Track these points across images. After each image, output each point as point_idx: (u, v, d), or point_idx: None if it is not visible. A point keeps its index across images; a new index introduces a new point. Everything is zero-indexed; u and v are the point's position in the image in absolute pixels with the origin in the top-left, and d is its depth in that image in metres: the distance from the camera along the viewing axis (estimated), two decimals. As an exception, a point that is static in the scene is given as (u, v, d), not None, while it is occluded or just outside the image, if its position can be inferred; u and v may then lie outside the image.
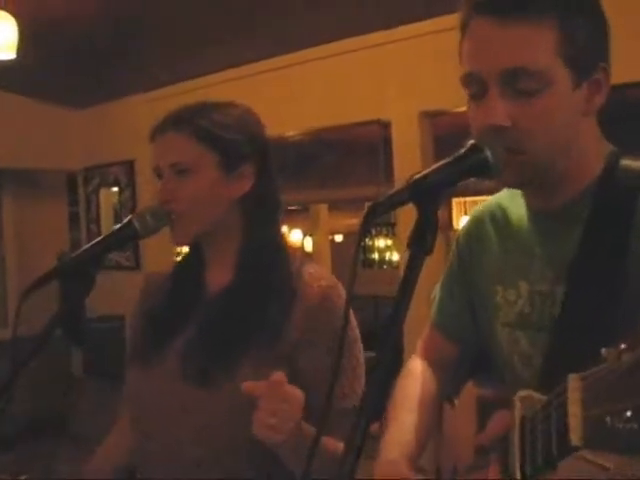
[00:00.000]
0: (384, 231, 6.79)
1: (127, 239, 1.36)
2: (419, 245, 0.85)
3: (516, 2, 1.03)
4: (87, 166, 5.97)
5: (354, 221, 6.63)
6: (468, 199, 8.07)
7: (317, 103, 4.36)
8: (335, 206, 7.05)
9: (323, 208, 7.01)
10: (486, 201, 1.36)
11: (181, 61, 4.77)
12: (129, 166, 5.57)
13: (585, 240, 1.10)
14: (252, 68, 4.61)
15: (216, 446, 1.39)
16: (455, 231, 8.16)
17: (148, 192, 5.08)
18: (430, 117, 4.02)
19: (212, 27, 4.25)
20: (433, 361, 1.41)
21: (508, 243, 1.25)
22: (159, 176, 1.48)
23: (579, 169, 1.13)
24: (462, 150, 0.94)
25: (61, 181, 6.23)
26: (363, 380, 1.45)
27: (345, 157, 4.96)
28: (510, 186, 1.19)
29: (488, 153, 0.93)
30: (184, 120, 1.48)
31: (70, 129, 5.85)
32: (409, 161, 3.95)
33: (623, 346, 0.64)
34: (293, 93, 4.44)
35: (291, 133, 4.80)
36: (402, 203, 0.89)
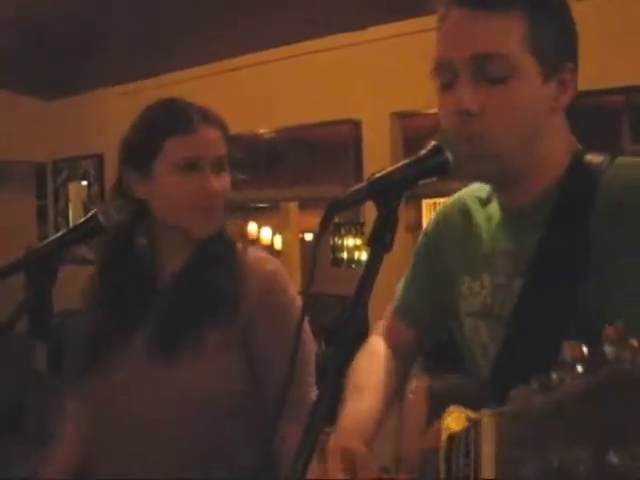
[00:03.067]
0: (353, 230, 6.83)
1: (92, 232, 1.37)
2: (379, 243, 0.87)
3: None
4: (56, 159, 5.92)
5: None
6: (438, 200, 8.12)
7: (290, 101, 4.37)
8: (306, 204, 7.06)
9: (293, 206, 7.01)
10: (457, 193, 1.39)
11: (154, 56, 4.75)
12: (98, 160, 5.53)
13: (546, 236, 1.13)
14: (225, 65, 4.60)
15: (187, 423, 1.46)
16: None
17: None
18: (401, 118, 4.05)
19: (185, 23, 4.24)
20: (391, 342, 1.44)
21: (475, 235, 1.28)
22: (193, 168, 1.51)
23: (546, 167, 1.15)
24: (423, 151, 0.96)
25: (29, 173, 6.17)
26: (312, 369, 1.54)
27: (316, 156, 4.98)
28: (472, 178, 1.22)
29: (448, 154, 0.95)
30: (213, 117, 1.57)
31: (40, 121, 5.80)
32: (379, 161, 3.97)
33: (535, 386, 0.62)
34: (267, 91, 4.44)
35: (263, 131, 4.80)
36: (362, 201, 0.91)
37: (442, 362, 1.45)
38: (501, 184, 1.19)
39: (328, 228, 0.88)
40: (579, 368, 0.57)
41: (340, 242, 6.96)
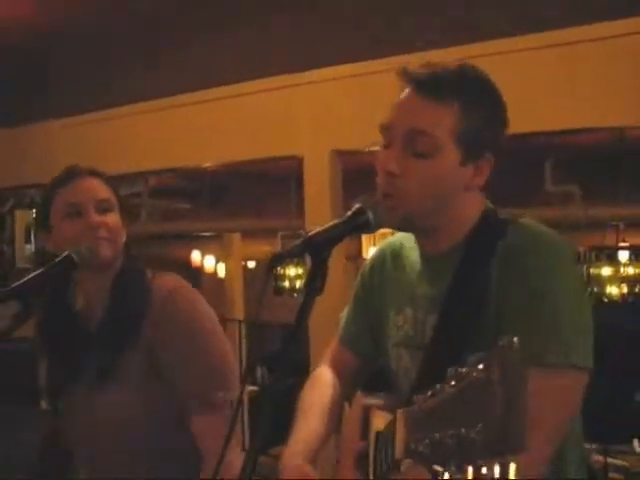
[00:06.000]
0: (294, 260, 7.03)
1: (66, 271, 1.58)
2: (312, 287, 1.10)
3: (431, 85, 1.32)
4: (1, 187, 5.98)
5: (267, 248, 6.82)
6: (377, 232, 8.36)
7: (235, 138, 4.53)
8: (248, 233, 7.23)
9: (236, 235, 7.18)
10: (391, 238, 1.62)
11: (100, 90, 4.87)
12: (45, 189, 5.58)
13: (456, 280, 1.36)
14: (171, 101, 4.74)
15: (122, 440, 1.76)
16: (364, 260, 8.42)
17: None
18: (340, 155, 4.27)
19: (130, 58, 4.39)
20: (337, 369, 1.65)
21: (402, 276, 1.52)
22: (77, 213, 1.75)
23: (458, 224, 1.39)
24: (349, 212, 1.20)
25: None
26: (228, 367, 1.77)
27: (259, 189, 5.17)
28: (389, 228, 1.46)
29: (370, 215, 1.19)
30: (94, 170, 1.83)
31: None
32: (319, 195, 4.19)
33: (429, 393, 0.90)
34: (213, 127, 4.59)
35: (209, 164, 4.97)
36: (299, 254, 1.14)
37: (375, 383, 1.66)
38: (418, 235, 1.44)
39: (271, 278, 1.10)
40: (452, 382, 0.85)
41: (282, 271, 7.16)
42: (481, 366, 0.81)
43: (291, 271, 7.17)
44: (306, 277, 1.11)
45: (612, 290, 5.79)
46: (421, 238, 1.45)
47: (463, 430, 0.81)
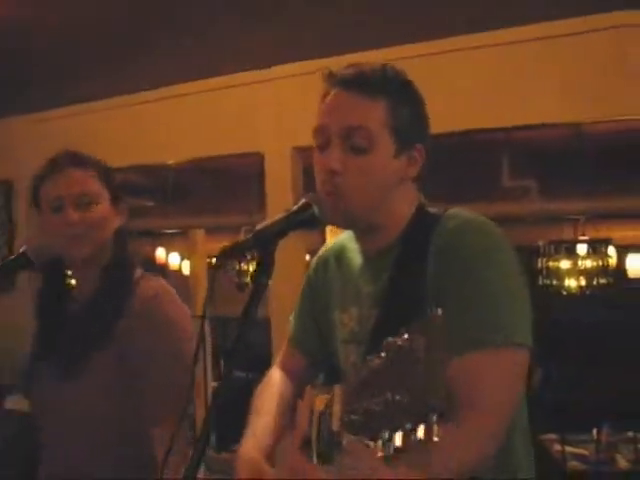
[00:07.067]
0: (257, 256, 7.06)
1: (20, 268, 1.60)
2: (260, 278, 1.13)
3: (359, 82, 1.37)
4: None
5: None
6: (341, 226, 8.43)
7: (197, 134, 4.56)
8: (212, 230, 7.23)
9: (200, 233, 7.18)
10: (333, 240, 1.68)
11: (66, 85, 4.84)
12: (7, 187, 5.57)
13: (394, 275, 1.42)
14: (134, 98, 4.75)
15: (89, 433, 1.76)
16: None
17: (25, 213, 5.13)
18: (301, 152, 4.31)
19: (98, 55, 4.38)
20: (287, 370, 1.70)
21: (345, 276, 1.57)
22: (58, 208, 1.74)
23: (394, 221, 1.44)
24: (295, 207, 1.23)
25: None
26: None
27: (222, 186, 5.19)
28: (333, 224, 1.50)
29: (315, 209, 1.23)
30: (84, 159, 1.79)
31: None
32: (281, 191, 4.23)
33: (362, 365, 0.95)
34: (175, 123, 4.61)
35: (172, 162, 4.98)
36: (249, 248, 1.17)
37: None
38: (359, 232, 1.49)
39: (220, 270, 1.13)
40: (382, 353, 0.92)
41: (245, 267, 7.16)
42: (406, 336, 0.88)
43: (254, 267, 7.18)
44: (254, 269, 1.14)
45: (571, 283, 5.89)
46: (362, 236, 1.50)
47: (389, 395, 0.87)
